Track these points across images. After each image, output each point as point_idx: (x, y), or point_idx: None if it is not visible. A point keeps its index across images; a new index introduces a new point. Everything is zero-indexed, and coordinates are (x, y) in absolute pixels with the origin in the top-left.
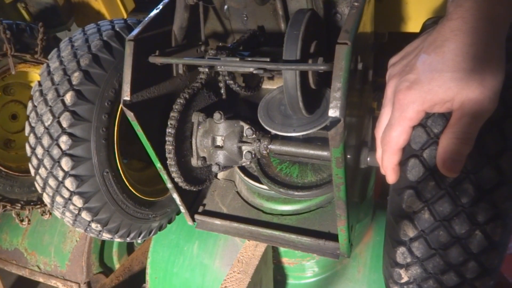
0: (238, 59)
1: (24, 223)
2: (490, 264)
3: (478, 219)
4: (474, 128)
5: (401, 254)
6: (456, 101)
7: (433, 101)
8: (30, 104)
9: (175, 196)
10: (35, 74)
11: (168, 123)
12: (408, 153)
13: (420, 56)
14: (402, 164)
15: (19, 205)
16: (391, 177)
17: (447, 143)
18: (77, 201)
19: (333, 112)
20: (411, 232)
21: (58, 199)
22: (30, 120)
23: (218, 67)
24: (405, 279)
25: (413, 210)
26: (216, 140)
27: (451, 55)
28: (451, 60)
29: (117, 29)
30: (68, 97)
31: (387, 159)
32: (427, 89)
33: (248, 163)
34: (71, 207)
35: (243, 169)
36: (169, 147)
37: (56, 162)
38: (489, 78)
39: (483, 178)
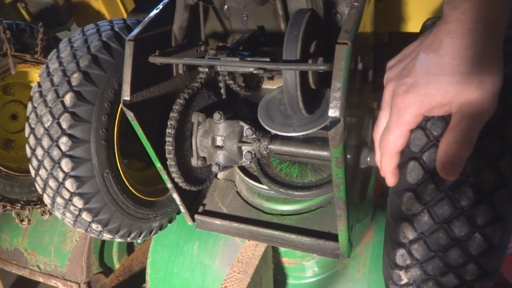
0: (238, 59)
1: (24, 223)
2: (489, 266)
3: (477, 222)
4: (474, 131)
5: (400, 256)
6: (455, 104)
7: (430, 105)
8: (30, 105)
9: (175, 196)
10: (35, 74)
11: (168, 123)
12: (407, 156)
13: (417, 59)
14: (402, 166)
15: (19, 205)
16: (390, 180)
17: (446, 147)
18: (78, 202)
19: (333, 112)
20: (411, 235)
21: (59, 200)
22: (30, 121)
23: (218, 67)
24: (404, 280)
25: (413, 212)
26: (216, 140)
27: (448, 58)
28: (448, 63)
29: (116, 30)
30: (68, 98)
31: (385, 163)
32: (425, 93)
33: (248, 163)
34: (72, 208)
35: (243, 169)
36: (169, 147)
37: (56, 163)
38: (487, 80)
39: (482, 181)
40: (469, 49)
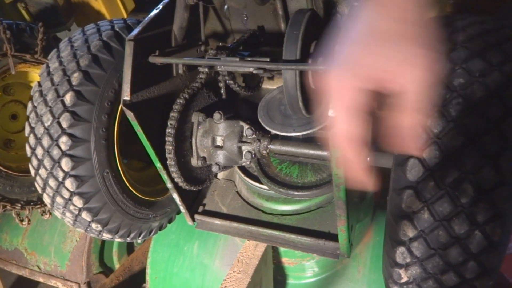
0: (238, 59)
1: (24, 223)
2: (489, 264)
3: (477, 219)
4: (426, 95)
5: (400, 254)
6: (395, 78)
7: (361, 77)
8: (30, 105)
9: (175, 196)
10: (35, 74)
11: (168, 123)
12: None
13: (337, 47)
14: (402, 164)
15: (19, 205)
16: (362, 180)
17: (410, 121)
18: (77, 201)
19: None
20: (411, 232)
21: (58, 199)
22: (30, 120)
23: (218, 67)
24: (404, 279)
25: (413, 210)
26: (216, 140)
27: (362, 36)
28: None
29: (117, 29)
30: (68, 98)
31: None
32: (351, 69)
33: (248, 163)
34: (71, 207)
35: (243, 169)
36: (169, 147)
37: (56, 162)
38: (412, 37)
39: (482, 178)
40: (382, 19)
